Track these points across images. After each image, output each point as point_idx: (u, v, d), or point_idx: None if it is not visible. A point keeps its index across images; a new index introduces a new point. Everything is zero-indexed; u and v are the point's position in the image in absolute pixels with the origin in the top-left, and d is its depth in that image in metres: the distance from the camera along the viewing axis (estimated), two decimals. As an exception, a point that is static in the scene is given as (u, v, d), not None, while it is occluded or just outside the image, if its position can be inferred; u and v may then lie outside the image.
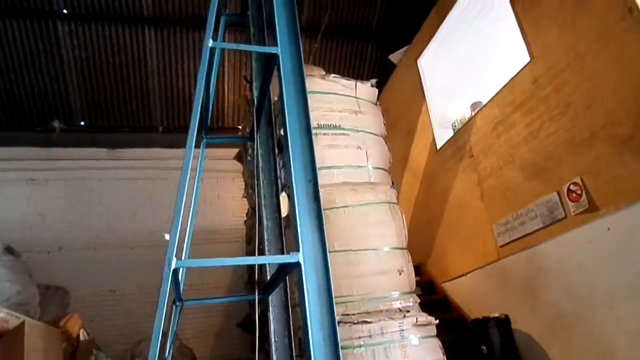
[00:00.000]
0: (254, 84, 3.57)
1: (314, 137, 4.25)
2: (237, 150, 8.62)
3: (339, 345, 1.97)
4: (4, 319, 4.43)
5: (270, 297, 2.93)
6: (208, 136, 3.57)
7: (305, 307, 2.00)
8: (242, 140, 4.38)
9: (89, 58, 7.79)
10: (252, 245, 7.29)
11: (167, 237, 8.10)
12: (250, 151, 6.89)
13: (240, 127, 7.79)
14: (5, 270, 5.65)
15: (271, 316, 2.89)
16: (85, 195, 8.21)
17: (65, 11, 7.28)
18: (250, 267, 7.51)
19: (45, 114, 8.13)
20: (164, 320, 1.93)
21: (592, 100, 4.02)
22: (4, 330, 4.34)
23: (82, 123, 8.41)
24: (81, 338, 5.22)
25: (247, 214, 7.91)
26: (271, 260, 2.56)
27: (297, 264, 2.08)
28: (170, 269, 1.83)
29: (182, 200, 2.06)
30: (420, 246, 6.67)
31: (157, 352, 1.83)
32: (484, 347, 4.85)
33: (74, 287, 7.39)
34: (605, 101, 3.89)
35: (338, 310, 3.74)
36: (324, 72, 4.88)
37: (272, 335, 2.86)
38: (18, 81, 7.73)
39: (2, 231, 6.87)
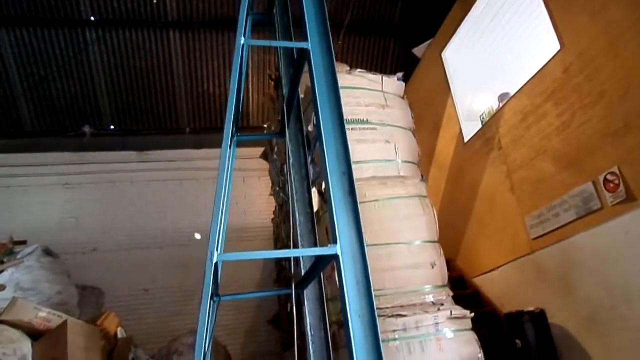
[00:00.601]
0: (283, 81, 3.60)
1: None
2: (262, 149, 8.70)
3: (380, 336, 1.98)
4: (46, 318, 4.58)
5: (305, 291, 2.96)
6: (238, 134, 3.62)
7: (344, 299, 2.01)
8: (272, 137, 4.43)
9: (116, 63, 7.99)
10: (280, 242, 7.36)
11: (197, 236, 8.27)
12: (276, 149, 6.95)
13: (265, 125, 7.85)
14: (44, 271, 5.85)
15: (307, 310, 2.92)
16: (116, 198, 8.43)
17: (92, 18, 7.47)
18: (279, 265, 7.57)
19: (77, 119, 8.37)
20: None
21: (627, 87, 3.91)
22: (46, 329, 4.49)
23: (112, 127, 8.63)
24: (119, 336, 5.35)
25: (274, 212, 7.98)
26: (309, 252, 2.57)
27: (335, 256, 2.10)
28: (212, 262, 1.87)
29: (221, 196, 2.10)
30: (449, 241, 6.58)
31: (204, 346, 1.86)
32: (518, 341, 4.77)
33: (108, 287, 7.61)
34: (641, 88, 3.78)
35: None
36: (349, 68, 4.88)
37: (307, 329, 2.88)
38: (51, 88, 8.00)
39: (40, 234, 7.12)
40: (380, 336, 3.31)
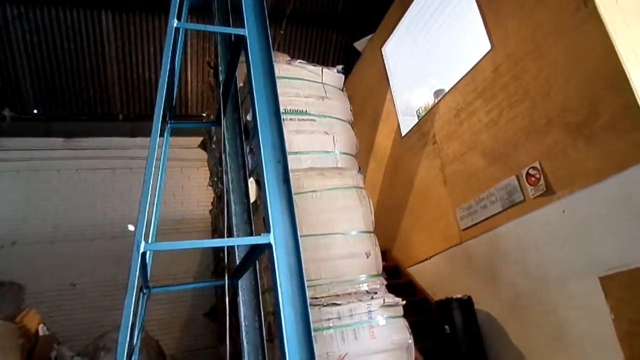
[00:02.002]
0: (220, 68, 3.51)
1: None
2: (201, 138, 8.47)
3: (312, 325, 1.99)
4: (-47, 316, 4.22)
5: (239, 282, 2.93)
6: (172, 121, 3.49)
7: (277, 288, 2.01)
8: (208, 125, 4.30)
9: (41, 43, 7.43)
10: (218, 233, 7.22)
11: (130, 228, 7.93)
12: (215, 139, 6.78)
13: (204, 114, 7.65)
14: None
15: (241, 301, 2.89)
16: (40, 187, 7.88)
17: (15, -7, 6.89)
18: (217, 257, 7.43)
19: (-5, 102, 7.71)
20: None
21: (549, 88, 4.19)
22: (-45, 328, 4.14)
23: (35, 111, 8.02)
24: (40, 333, 5.03)
25: (212, 202, 7.81)
26: (242, 241, 2.54)
27: (268, 245, 2.08)
28: (139, 252, 1.79)
29: (149, 184, 2.02)
30: (386, 232, 6.79)
31: (127, 340, 1.78)
32: (446, 327, 5.01)
33: (31, 282, 7.15)
34: (561, 89, 4.05)
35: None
36: (289, 58, 4.85)
37: (242, 320, 2.85)
38: (-37, 67, 7.31)
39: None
40: (315, 325, 3.36)
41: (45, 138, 8.09)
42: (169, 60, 2.39)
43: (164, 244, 1.98)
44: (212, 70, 6.22)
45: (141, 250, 1.82)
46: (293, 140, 4.07)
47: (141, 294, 2.75)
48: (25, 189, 7.79)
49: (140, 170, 8.41)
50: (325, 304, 3.36)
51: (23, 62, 7.48)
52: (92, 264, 7.64)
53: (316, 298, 3.57)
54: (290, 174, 4.03)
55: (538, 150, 4.31)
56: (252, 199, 3.42)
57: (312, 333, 1.98)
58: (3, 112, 7.71)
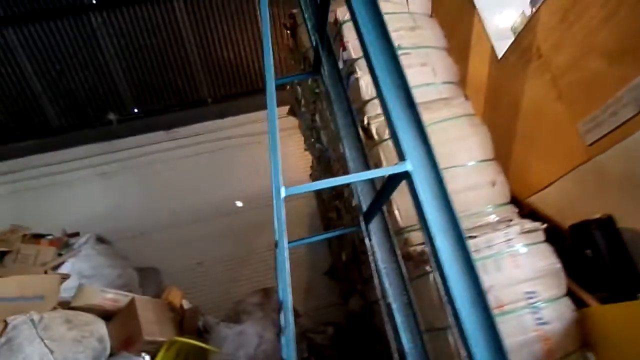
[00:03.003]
0: (306, 16, 3.38)
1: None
2: (287, 107, 8.52)
3: (470, 251, 1.85)
4: (114, 299, 4.69)
5: (370, 226, 2.85)
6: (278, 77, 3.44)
7: (425, 220, 1.88)
8: (309, 76, 4.15)
9: (127, 44, 7.84)
10: (322, 195, 7.29)
11: (239, 204, 8.30)
12: (303, 101, 6.76)
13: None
14: (102, 257, 5.99)
15: (375, 244, 2.82)
16: (153, 179, 8.51)
17: (94, 1, 7.28)
18: (325, 219, 7.51)
19: (100, 108, 8.35)
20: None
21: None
22: (116, 309, 4.60)
23: (135, 110, 8.57)
24: (185, 307, 5.47)
25: (311, 166, 7.88)
26: (380, 173, 2.33)
27: (406, 174, 1.95)
28: (281, 198, 1.76)
29: (275, 132, 1.97)
30: (496, 165, 6.37)
31: (289, 294, 1.76)
32: (588, 251, 4.59)
33: (163, 265, 7.80)
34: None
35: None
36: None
37: (378, 264, 2.79)
38: (69, 81, 7.96)
39: (88, 226, 7.25)
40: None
41: (148, 134, 8.65)
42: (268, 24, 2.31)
43: (303, 186, 1.93)
44: (288, 31, 6.14)
45: (282, 195, 1.77)
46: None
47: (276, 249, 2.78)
48: (141, 183, 8.45)
49: (234, 148, 8.77)
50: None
51: (116, 65, 7.97)
52: (212, 242, 8.16)
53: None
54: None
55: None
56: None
57: (473, 259, 1.84)
58: (108, 116, 8.32)
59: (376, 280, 2.69)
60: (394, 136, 2.03)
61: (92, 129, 8.42)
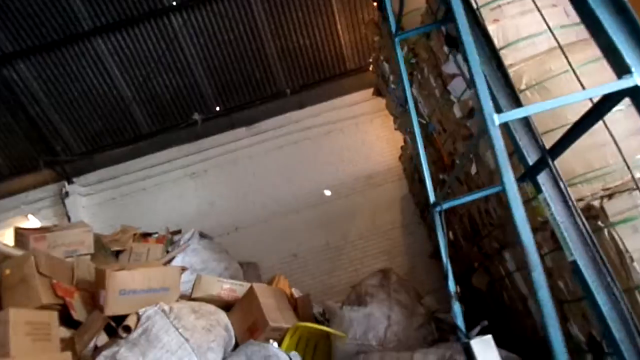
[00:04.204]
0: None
1: (499, 10, 3.67)
2: (365, 91, 8.25)
3: None
4: (231, 289, 4.64)
5: (538, 178, 2.50)
6: (399, 33, 3.18)
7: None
8: (438, 26, 3.64)
9: (206, 42, 7.91)
10: (417, 176, 6.93)
11: (327, 193, 8.14)
12: (392, 78, 6.44)
13: (370, 60, 7.34)
14: (208, 251, 6.01)
15: (547, 197, 2.46)
16: (241, 175, 8.55)
17: (174, 3, 7.39)
18: (423, 203, 7.14)
19: (185, 109, 8.51)
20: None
21: None
22: (234, 299, 4.53)
23: (218, 108, 8.65)
24: (295, 295, 5.34)
25: (402, 147, 7.54)
26: (599, 92, 1.93)
27: (634, 90, 1.59)
28: (495, 126, 1.47)
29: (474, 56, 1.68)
30: None
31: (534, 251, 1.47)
32: None
33: (260, 259, 7.78)
34: None
35: (597, 186, 3.20)
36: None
37: (557, 217, 2.43)
38: (154, 85, 8.17)
39: (183, 225, 7.34)
40: (632, 213, 2.79)
41: (231, 131, 8.71)
42: None
43: (520, 109, 1.64)
44: (376, 4, 5.86)
45: (497, 122, 1.49)
46: (519, 24, 3.50)
47: (435, 213, 2.51)
48: (229, 179, 8.52)
49: (317, 138, 8.61)
50: (634, 187, 2.75)
51: (197, 65, 8.07)
52: (304, 233, 8.07)
53: (610, 188, 3.00)
54: (531, 61, 3.43)
55: None
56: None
57: None
58: (193, 117, 8.45)
59: (559, 236, 2.34)
60: (607, 48, 1.68)
61: (178, 131, 8.59)
